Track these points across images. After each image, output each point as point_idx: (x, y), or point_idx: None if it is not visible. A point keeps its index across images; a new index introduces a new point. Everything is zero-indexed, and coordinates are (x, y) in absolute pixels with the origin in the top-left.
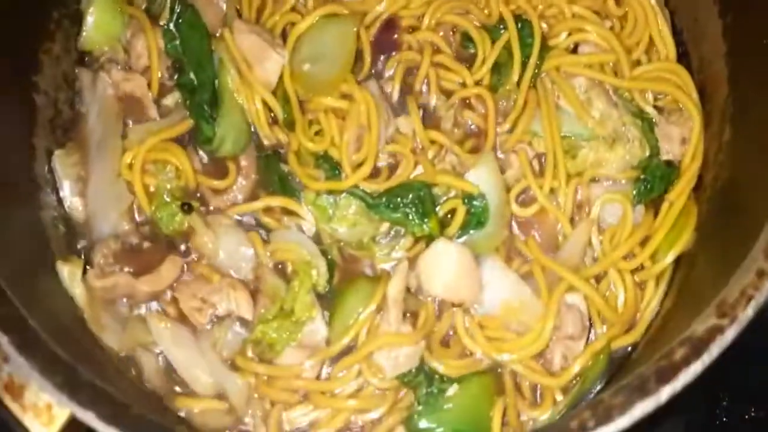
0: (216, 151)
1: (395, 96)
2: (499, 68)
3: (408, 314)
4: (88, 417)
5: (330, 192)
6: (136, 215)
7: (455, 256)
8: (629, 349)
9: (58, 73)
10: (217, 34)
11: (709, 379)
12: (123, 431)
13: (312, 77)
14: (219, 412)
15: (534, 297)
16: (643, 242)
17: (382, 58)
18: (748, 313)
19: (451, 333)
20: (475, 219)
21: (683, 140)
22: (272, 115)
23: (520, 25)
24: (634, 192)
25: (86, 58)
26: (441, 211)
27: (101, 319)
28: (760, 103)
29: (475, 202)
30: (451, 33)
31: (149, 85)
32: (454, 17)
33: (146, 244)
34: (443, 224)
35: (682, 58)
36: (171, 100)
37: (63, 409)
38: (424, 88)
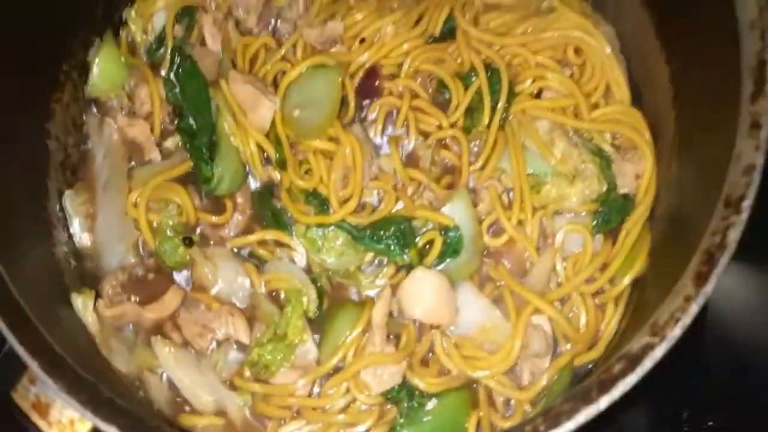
0: (214, 190)
1: (378, 137)
2: (471, 112)
3: (391, 336)
4: (111, 430)
5: (319, 225)
6: (141, 249)
7: (433, 283)
8: (590, 365)
9: (67, 119)
10: (214, 83)
11: (672, 395)
12: None
13: (301, 122)
14: (219, 428)
15: (504, 319)
16: (603, 268)
17: (365, 102)
18: (675, 332)
19: (430, 353)
20: (451, 249)
21: (637, 176)
22: (265, 155)
23: (489, 73)
24: (594, 223)
25: (93, 105)
26: (420, 242)
27: (111, 344)
28: (702, 143)
29: (450, 234)
30: (428, 80)
31: (152, 130)
32: (430, 66)
33: (151, 275)
34: (422, 254)
35: (636, 100)
36: (172, 142)
37: (85, 424)
38: (404, 130)
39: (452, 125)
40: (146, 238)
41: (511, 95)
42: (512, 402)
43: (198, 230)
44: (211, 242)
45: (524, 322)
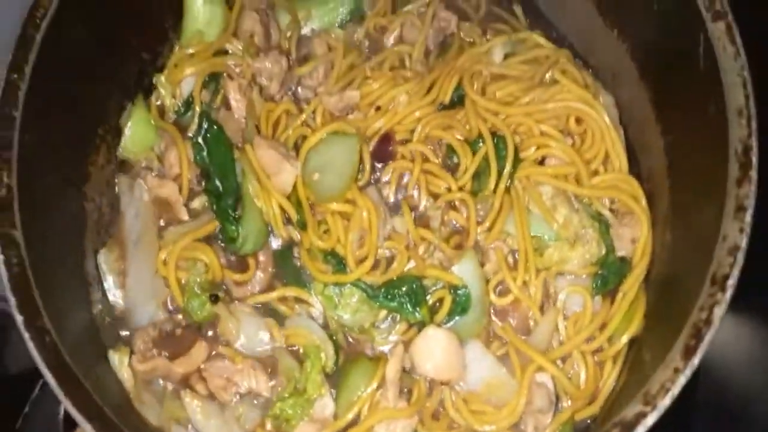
0: (240, 249)
1: (391, 198)
2: (478, 176)
3: (403, 391)
4: None
5: (336, 284)
6: (170, 305)
7: (443, 341)
8: (589, 420)
9: (101, 180)
10: (239, 146)
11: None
12: None
13: (321, 185)
14: None
15: (509, 376)
16: (601, 327)
17: (379, 166)
18: (666, 402)
19: (440, 407)
20: (460, 307)
21: (633, 240)
22: (287, 216)
23: (495, 140)
24: (593, 285)
25: (124, 166)
26: (430, 300)
27: (143, 398)
28: (693, 215)
29: (459, 292)
30: (438, 145)
31: (180, 191)
32: (441, 132)
33: (179, 331)
34: (432, 312)
35: (634, 166)
36: (198, 203)
37: None
38: (416, 192)
39: (461, 188)
40: (175, 295)
41: (517, 161)
42: None
43: (223, 287)
44: (235, 298)
45: (528, 380)
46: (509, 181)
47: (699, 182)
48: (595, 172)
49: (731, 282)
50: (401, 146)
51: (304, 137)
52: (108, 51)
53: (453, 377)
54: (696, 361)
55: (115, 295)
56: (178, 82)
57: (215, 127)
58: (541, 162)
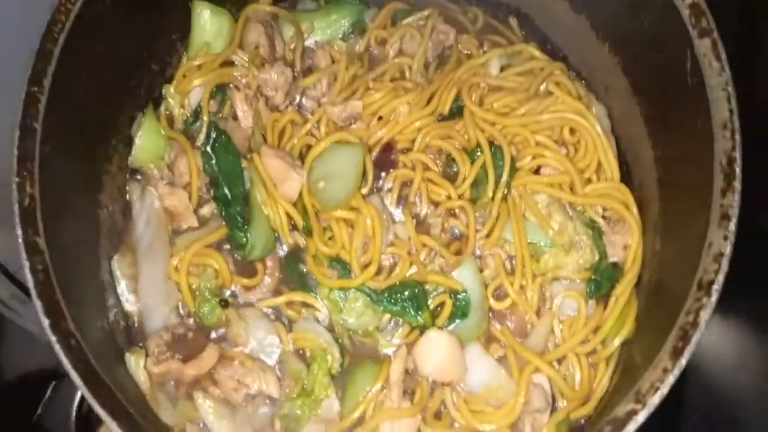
0: (248, 255)
1: (393, 206)
2: (477, 184)
3: (407, 391)
4: None
5: (341, 288)
6: (181, 309)
7: (444, 344)
8: (583, 419)
9: (114, 188)
10: (248, 156)
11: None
12: None
13: (325, 194)
14: None
15: (508, 377)
16: (595, 330)
17: (382, 174)
18: (655, 400)
19: (442, 407)
20: (460, 311)
21: (625, 246)
22: (293, 223)
23: (493, 149)
24: (587, 289)
25: (136, 174)
26: (432, 304)
27: (158, 399)
28: (681, 223)
29: (459, 297)
30: (438, 154)
31: (190, 198)
32: (440, 141)
33: (190, 334)
34: (434, 315)
35: (626, 175)
36: (207, 210)
37: None
38: (417, 199)
39: (460, 196)
40: (186, 300)
41: (513, 170)
42: None
43: (231, 292)
44: (244, 303)
45: (526, 381)
46: (506, 189)
47: (687, 192)
48: (589, 181)
49: (716, 287)
50: (402, 155)
51: (309, 146)
52: (120, 63)
53: (454, 378)
54: (683, 361)
55: (128, 300)
56: (187, 92)
57: (223, 136)
58: (537, 171)
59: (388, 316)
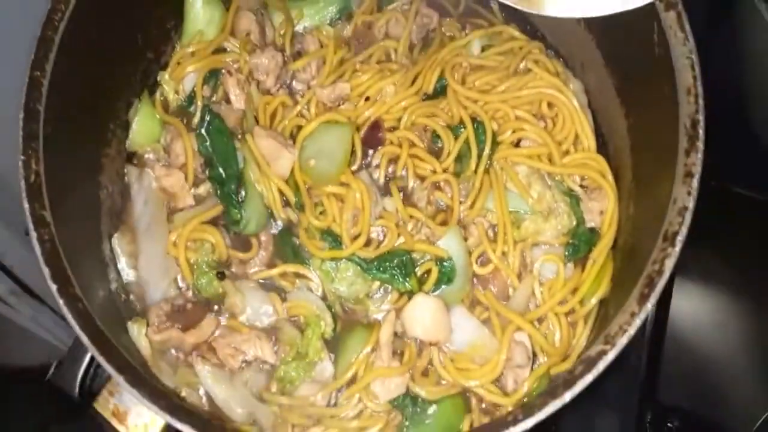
0: (243, 230)
1: (381, 181)
2: (460, 158)
3: (396, 353)
4: (186, 428)
5: (332, 259)
6: (180, 282)
7: (431, 307)
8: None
9: (113, 171)
10: (239, 136)
11: (638, 401)
12: None
13: (317, 170)
14: None
15: (491, 336)
16: (573, 291)
17: (370, 151)
18: (623, 341)
19: (429, 366)
20: (446, 277)
21: (601, 212)
22: (285, 199)
23: (475, 125)
24: (565, 253)
25: (133, 157)
26: (419, 271)
27: (160, 365)
28: (652, 188)
29: (445, 264)
30: (423, 131)
31: (186, 178)
32: (425, 119)
33: (189, 305)
34: (421, 282)
35: (602, 147)
36: (203, 189)
37: (156, 427)
38: (404, 174)
39: (445, 170)
40: (185, 273)
41: (495, 144)
42: (499, 407)
43: (228, 265)
44: (240, 275)
45: (508, 339)
46: (488, 162)
47: (657, 157)
48: (566, 152)
49: (680, 238)
50: (389, 133)
51: (300, 127)
52: (116, 51)
53: (440, 339)
54: (649, 305)
55: (128, 275)
56: (181, 78)
57: (217, 119)
58: (517, 144)
59: (377, 283)
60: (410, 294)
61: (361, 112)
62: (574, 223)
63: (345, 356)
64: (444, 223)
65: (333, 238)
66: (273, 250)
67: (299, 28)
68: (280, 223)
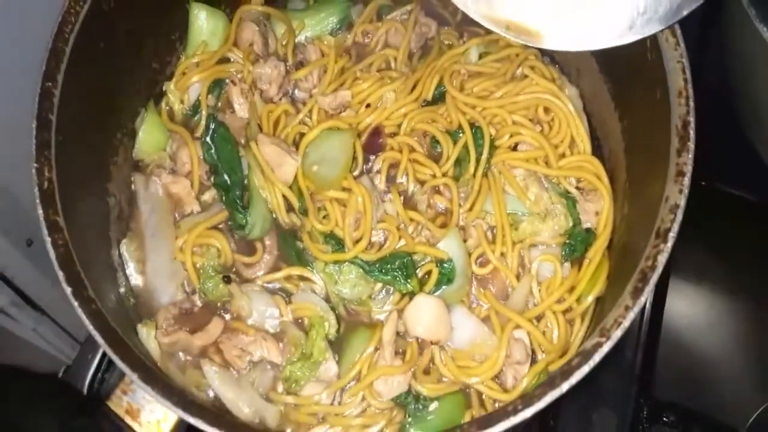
0: (248, 235)
1: (382, 186)
2: (459, 163)
3: (398, 352)
4: (199, 423)
5: (336, 262)
6: (187, 286)
7: (432, 307)
8: None
9: (120, 178)
10: (243, 142)
11: (634, 397)
12: (226, 430)
13: (319, 176)
14: None
15: (491, 334)
16: (570, 290)
17: (371, 157)
18: (618, 333)
19: (431, 364)
20: (446, 278)
21: (597, 213)
22: (289, 204)
23: (474, 130)
24: (562, 253)
25: (140, 165)
26: (420, 272)
27: (169, 367)
28: (646, 188)
29: (445, 265)
30: (423, 137)
31: (192, 185)
32: (425, 125)
33: (196, 308)
34: (422, 283)
35: (597, 149)
36: (209, 195)
37: (168, 423)
38: (404, 178)
39: (444, 174)
40: (191, 277)
41: (492, 148)
42: (499, 402)
43: (234, 269)
44: (245, 279)
45: (507, 336)
46: (487, 166)
47: (650, 159)
48: (562, 155)
49: (672, 234)
50: (390, 139)
51: (302, 134)
52: (124, 62)
53: (441, 338)
54: (643, 299)
55: (136, 280)
56: (186, 88)
57: (221, 127)
58: (515, 148)
59: (379, 285)
60: (411, 295)
61: (362, 119)
62: (571, 223)
63: (349, 356)
64: (444, 226)
65: (336, 242)
66: (277, 254)
67: (301, 38)
68: (284, 227)
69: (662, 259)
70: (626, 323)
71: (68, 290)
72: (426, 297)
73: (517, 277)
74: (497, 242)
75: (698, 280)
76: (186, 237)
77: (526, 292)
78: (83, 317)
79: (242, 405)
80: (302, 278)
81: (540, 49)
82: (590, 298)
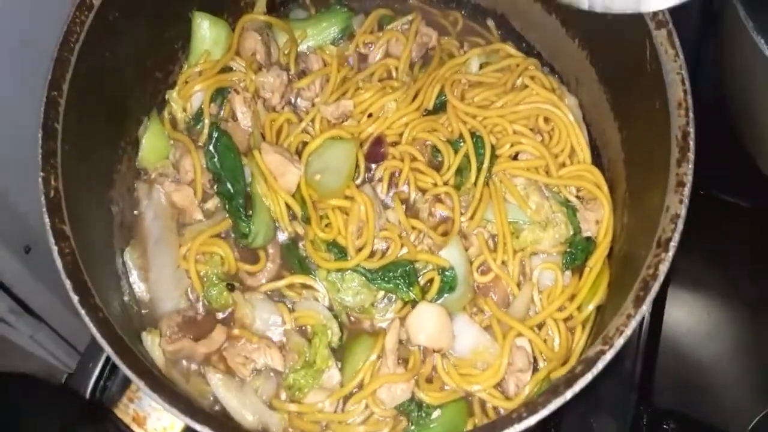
0: (251, 243)
1: (384, 194)
2: (460, 172)
3: (401, 359)
4: (205, 430)
5: (338, 270)
6: (190, 294)
7: (434, 315)
8: None
9: (124, 187)
10: (246, 152)
11: (635, 405)
12: None
13: (322, 185)
14: None
15: (492, 342)
16: (571, 298)
17: (373, 166)
18: (620, 341)
19: (433, 372)
20: (448, 286)
21: (597, 222)
22: (292, 212)
23: (475, 139)
24: (563, 261)
25: (143, 174)
26: (422, 280)
27: (173, 374)
28: (645, 197)
29: (447, 273)
30: (424, 146)
31: (195, 194)
32: (426, 134)
33: (200, 316)
34: (424, 291)
35: (597, 159)
36: (212, 204)
37: (174, 430)
38: (406, 187)
39: (445, 183)
40: (195, 285)
41: (493, 157)
42: (501, 410)
43: (237, 277)
44: (248, 287)
45: (509, 344)
46: (488, 175)
47: (649, 168)
48: (563, 164)
49: (673, 244)
50: (391, 148)
51: (305, 143)
52: (127, 71)
53: (444, 346)
54: (644, 307)
55: (140, 288)
56: (189, 97)
57: (224, 136)
58: (515, 157)
59: (382, 293)
60: (414, 303)
61: (364, 128)
62: (571, 232)
63: (351, 364)
64: (445, 234)
65: (338, 250)
66: (280, 263)
67: (303, 47)
68: (286, 235)
69: (663, 268)
70: (628, 331)
71: (75, 299)
72: (428, 305)
73: (519, 286)
74: (498, 251)
75: (696, 288)
76: (190, 245)
77: (528, 300)
78: (91, 326)
79: (246, 413)
80: (305, 286)
81: (540, 59)
82: (591, 307)
